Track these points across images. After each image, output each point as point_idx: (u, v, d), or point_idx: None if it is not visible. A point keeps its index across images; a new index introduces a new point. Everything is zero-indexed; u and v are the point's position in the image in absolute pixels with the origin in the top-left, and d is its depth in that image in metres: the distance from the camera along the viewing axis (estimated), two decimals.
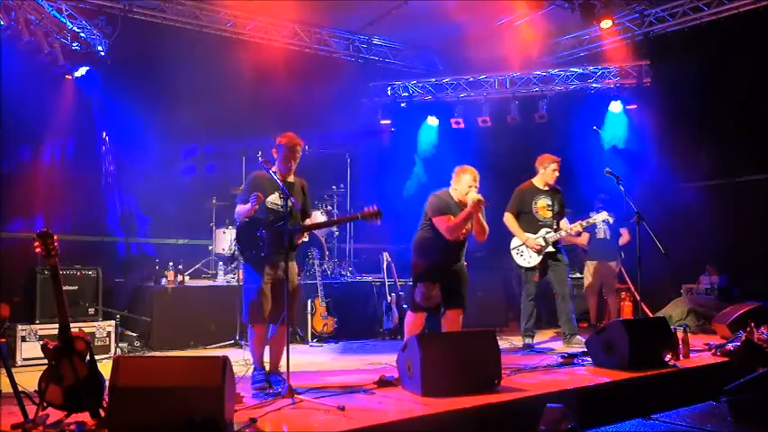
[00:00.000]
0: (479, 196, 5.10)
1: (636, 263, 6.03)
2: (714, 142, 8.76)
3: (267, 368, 4.82)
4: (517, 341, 6.78)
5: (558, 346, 6.66)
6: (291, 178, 4.85)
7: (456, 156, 8.89)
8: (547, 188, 6.71)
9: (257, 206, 4.61)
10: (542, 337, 7.23)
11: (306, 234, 5.13)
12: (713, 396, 4.62)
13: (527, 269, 6.62)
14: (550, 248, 6.59)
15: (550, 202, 6.67)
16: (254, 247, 4.70)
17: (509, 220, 6.66)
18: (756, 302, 6.72)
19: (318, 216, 8.30)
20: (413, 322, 5.37)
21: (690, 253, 8.33)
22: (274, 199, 4.70)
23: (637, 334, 5.05)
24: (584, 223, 6.80)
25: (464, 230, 5.25)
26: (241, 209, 4.76)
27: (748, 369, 4.80)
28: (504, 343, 6.63)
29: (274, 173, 4.73)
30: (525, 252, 6.61)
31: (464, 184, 5.26)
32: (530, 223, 6.63)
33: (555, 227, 6.62)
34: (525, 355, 6.16)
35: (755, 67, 8.05)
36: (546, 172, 6.69)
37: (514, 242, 6.67)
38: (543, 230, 6.60)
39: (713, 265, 8.46)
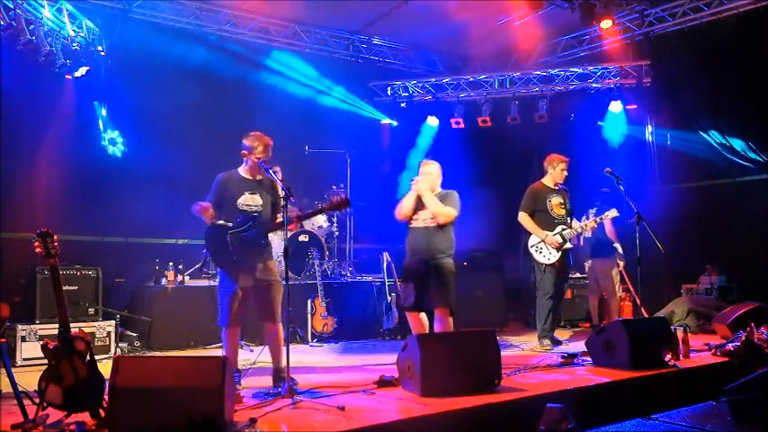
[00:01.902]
0: (417, 178, 5.53)
1: (636, 263, 6.05)
2: (714, 142, 8.76)
3: (273, 367, 4.80)
4: (517, 341, 6.77)
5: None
6: (260, 176, 4.81)
7: (456, 156, 8.91)
8: (557, 187, 6.75)
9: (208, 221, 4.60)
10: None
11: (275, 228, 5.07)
12: (713, 396, 4.60)
13: (547, 266, 6.57)
14: (568, 245, 6.61)
15: (562, 201, 6.70)
16: (225, 253, 4.62)
17: (524, 218, 6.64)
18: (756, 302, 6.73)
19: (318, 217, 8.30)
20: (410, 322, 5.63)
21: (690, 253, 8.33)
22: (245, 200, 4.69)
23: (637, 334, 5.06)
24: (597, 220, 6.85)
25: (412, 211, 5.52)
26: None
27: (748, 369, 4.80)
28: (504, 343, 6.63)
29: (275, 173, 4.72)
30: (544, 249, 6.57)
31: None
32: (546, 221, 6.60)
33: (569, 224, 6.66)
34: (524, 354, 6.17)
35: (756, 67, 8.03)
36: (555, 171, 6.72)
37: (532, 240, 6.63)
38: (559, 227, 6.59)
39: (713, 265, 8.46)
